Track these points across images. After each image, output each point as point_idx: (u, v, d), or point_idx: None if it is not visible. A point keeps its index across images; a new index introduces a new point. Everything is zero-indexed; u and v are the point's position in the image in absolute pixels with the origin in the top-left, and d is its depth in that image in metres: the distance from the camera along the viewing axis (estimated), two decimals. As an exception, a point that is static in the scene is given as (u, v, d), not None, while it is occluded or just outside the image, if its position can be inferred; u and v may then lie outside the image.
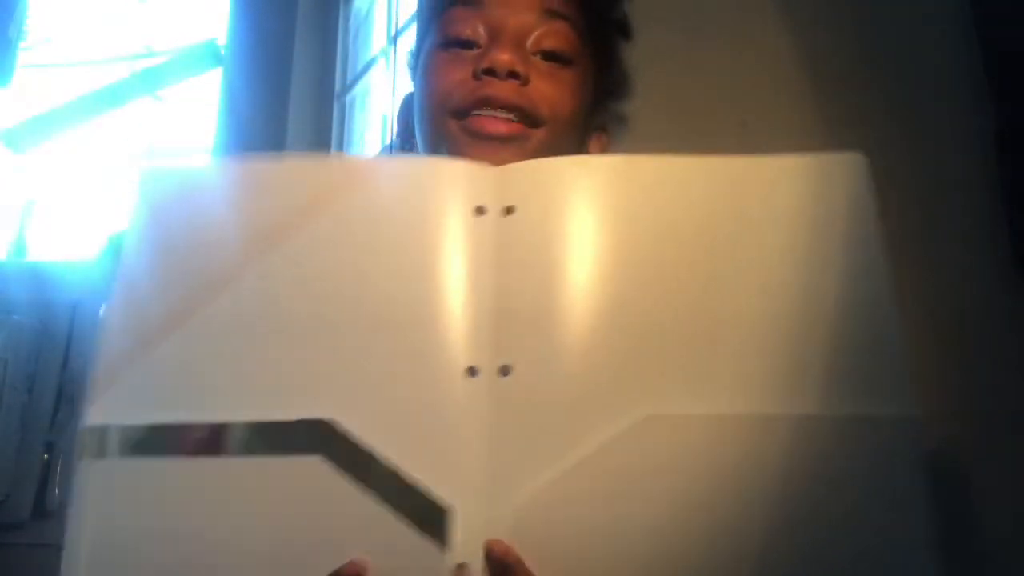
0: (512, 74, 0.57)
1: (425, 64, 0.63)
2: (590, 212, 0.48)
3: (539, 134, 0.59)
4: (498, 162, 0.53)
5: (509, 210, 0.48)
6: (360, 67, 1.96)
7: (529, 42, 0.60)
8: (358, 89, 1.95)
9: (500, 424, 0.43)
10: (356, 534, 0.41)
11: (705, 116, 0.95)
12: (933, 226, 0.83)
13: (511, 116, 0.58)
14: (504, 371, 0.44)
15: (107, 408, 0.46)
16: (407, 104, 0.68)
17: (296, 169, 0.53)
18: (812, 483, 0.42)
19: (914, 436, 0.45)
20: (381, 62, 1.80)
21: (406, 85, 1.50)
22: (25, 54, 2.02)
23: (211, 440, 0.44)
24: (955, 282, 0.81)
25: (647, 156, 0.52)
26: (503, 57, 0.57)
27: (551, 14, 0.61)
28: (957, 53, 0.84)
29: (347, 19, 2.06)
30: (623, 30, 0.75)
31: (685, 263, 0.47)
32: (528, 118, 0.59)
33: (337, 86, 2.02)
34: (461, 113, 0.58)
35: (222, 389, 0.45)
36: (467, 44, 0.60)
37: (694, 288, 0.46)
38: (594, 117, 0.69)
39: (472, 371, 0.44)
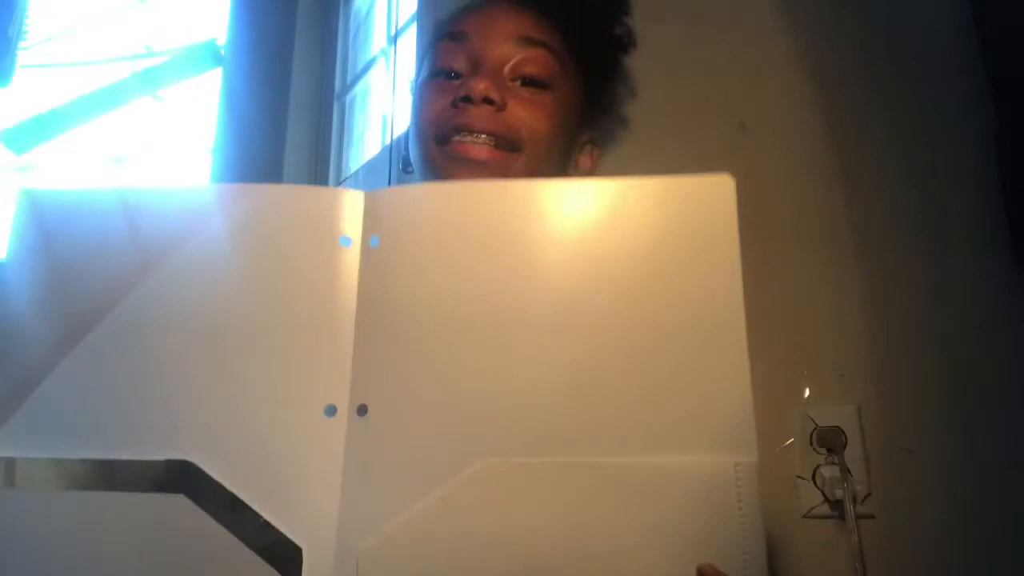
0: (487, 100, 0.61)
1: (417, 95, 0.68)
2: (450, 242, 0.47)
3: (520, 158, 0.62)
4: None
5: (372, 240, 0.47)
6: (360, 67, 1.96)
7: (507, 69, 0.64)
8: (358, 89, 1.95)
9: (353, 465, 0.43)
10: (218, 570, 0.43)
11: (705, 116, 0.95)
12: (933, 226, 0.83)
13: (489, 141, 0.61)
14: (361, 411, 0.44)
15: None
16: (407, 133, 0.72)
17: (169, 195, 0.52)
18: (640, 528, 0.42)
19: (749, 482, 0.43)
20: (381, 62, 1.80)
21: (406, 85, 1.49)
22: (25, 54, 2.02)
23: (82, 476, 0.46)
24: (955, 282, 0.81)
25: (515, 181, 0.53)
26: (479, 86, 0.61)
27: (529, 42, 0.65)
28: (957, 53, 0.84)
29: (347, 19, 2.06)
30: (622, 46, 0.76)
31: (538, 301, 0.45)
32: (507, 143, 0.62)
33: (337, 86, 2.02)
34: (443, 139, 0.62)
35: (93, 426, 0.45)
36: (451, 74, 0.65)
37: (543, 331, 0.45)
38: (581, 133, 0.72)
39: (330, 410, 0.44)
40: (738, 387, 0.44)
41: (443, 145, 0.62)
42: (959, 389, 0.78)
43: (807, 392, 0.83)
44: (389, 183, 1.38)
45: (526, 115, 0.63)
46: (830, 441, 0.79)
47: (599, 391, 0.44)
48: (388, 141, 1.43)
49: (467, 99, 0.62)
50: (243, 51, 2.22)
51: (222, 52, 2.23)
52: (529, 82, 0.65)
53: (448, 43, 0.67)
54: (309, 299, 0.46)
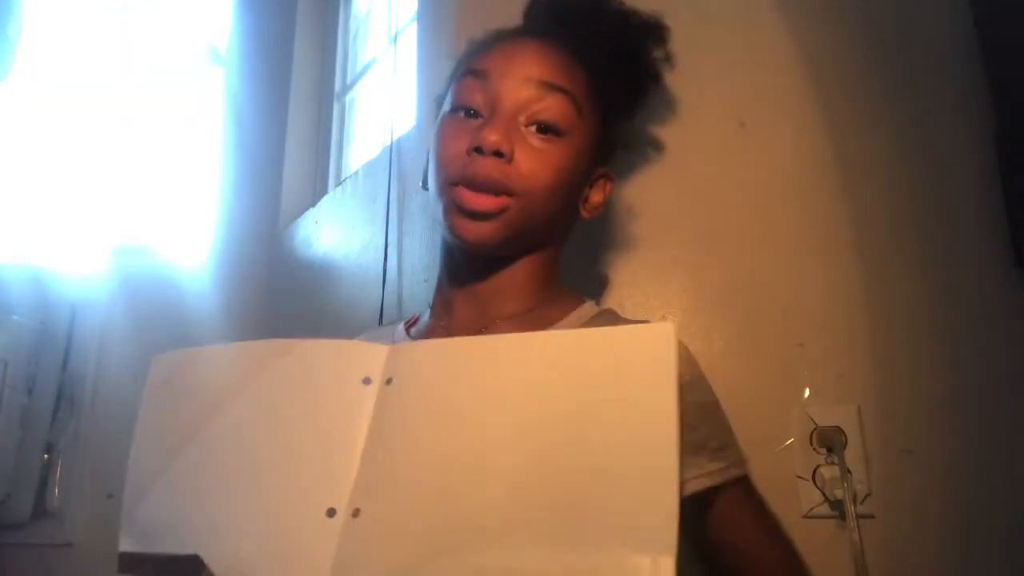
0: (497, 153, 0.64)
1: (439, 125, 0.71)
2: (444, 386, 0.56)
3: (513, 203, 0.66)
4: (477, 232, 0.65)
5: (389, 381, 0.57)
6: (360, 67, 1.95)
7: (524, 116, 0.67)
8: (358, 89, 1.95)
9: (342, 563, 0.50)
10: None
11: (705, 116, 0.95)
12: (933, 226, 0.83)
13: (490, 193, 0.65)
14: (355, 513, 0.52)
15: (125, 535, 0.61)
16: (428, 153, 0.75)
17: (243, 349, 0.66)
18: None
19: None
20: (381, 62, 1.80)
21: (406, 85, 1.49)
22: (24, 52, 2.02)
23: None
24: (955, 282, 0.81)
25: (505, 337, 0.61)
26: (490, 138, 0.64)
27: (549, 87, 0.67)
28: (957, 53, 0.84)
29: (347, 19, 2.06)
30: (649, 84, 0.80)
31: (508, 433, 0.52)
32: (504, 189, 0.65)
33: (337, 86, 2.02)
34: (452, 184, 0.66)
35: (184, 523, 0.58)
36: (471, 112, 0.68)
37: (505, 453, 0.52)
38: (596, 168, 0.75)
39: (331, 512, 0.52)
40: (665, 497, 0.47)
41: (451, 189, 0.66)
42: (959, 389, 0.78)
43: (807, 392, 0.83)
44: (389, 183, 1.37)
45: (530, 166, 0.66)
46: (830, 441, 0.79)
47: (541, 496, 0.49)
48: (388, 141, 1.43)
49: (479, 149, 0.65)
50: (243, 51, 2.22)
51: (222, 53, 2.23)
52: (544, 129, 0.67)
53: (471, 80, 0.69)
54: (334, 423, 0.57)
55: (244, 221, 2.06)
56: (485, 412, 0.54)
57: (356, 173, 1.65)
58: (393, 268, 1.31)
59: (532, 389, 0.53)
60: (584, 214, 0.75)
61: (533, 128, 0.67)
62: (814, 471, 0.79)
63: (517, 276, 0.71)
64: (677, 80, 0.96)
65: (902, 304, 0.82)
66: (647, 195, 0.95)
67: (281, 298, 1.90)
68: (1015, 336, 0.77)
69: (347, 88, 2.02)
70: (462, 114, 0.69)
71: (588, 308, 0.73)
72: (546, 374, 0.53)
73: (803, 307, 0.86)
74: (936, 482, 0.77)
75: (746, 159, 0.92)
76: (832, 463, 0.78)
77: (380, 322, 1.26)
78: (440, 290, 0.75)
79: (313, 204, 1.82)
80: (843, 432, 0.79)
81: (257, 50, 2.20)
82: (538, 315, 0.70)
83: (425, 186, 0.75)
